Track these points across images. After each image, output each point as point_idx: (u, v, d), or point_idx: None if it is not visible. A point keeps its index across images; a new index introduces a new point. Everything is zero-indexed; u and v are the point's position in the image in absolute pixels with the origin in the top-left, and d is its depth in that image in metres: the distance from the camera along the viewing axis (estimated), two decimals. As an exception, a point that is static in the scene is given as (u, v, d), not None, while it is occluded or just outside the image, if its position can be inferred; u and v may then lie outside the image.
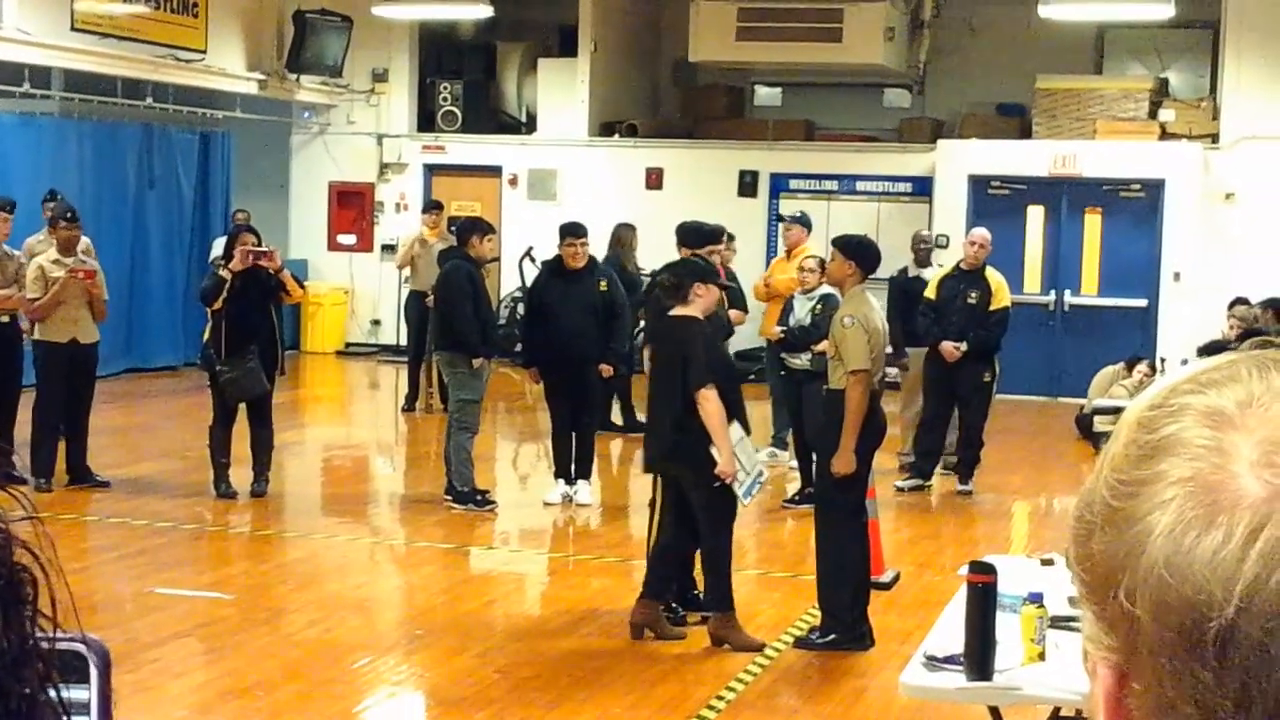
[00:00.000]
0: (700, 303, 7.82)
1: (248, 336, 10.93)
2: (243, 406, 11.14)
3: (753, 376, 14.86)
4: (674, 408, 7.74)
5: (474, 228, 11.40)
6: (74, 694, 0.95)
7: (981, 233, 12.55)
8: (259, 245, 11.06)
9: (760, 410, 12.96)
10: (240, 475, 11.25)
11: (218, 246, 17.29)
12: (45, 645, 0.90)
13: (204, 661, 7.78)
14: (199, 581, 9.38)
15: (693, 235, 8.82)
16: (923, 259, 13.41)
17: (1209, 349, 13.67)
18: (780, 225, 13.26)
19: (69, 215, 11.32)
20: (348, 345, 20.72)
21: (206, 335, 11.24)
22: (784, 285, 12.40)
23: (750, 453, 8.00)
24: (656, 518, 8.06)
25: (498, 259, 12.59)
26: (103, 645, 1.04)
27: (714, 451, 7.67)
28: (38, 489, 10.83)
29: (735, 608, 7.92)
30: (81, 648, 1.02)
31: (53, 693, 0.91)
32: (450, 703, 7.19)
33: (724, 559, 7.88)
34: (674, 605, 8.31)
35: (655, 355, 8.25)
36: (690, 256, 9.98)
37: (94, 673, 1.03)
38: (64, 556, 0.94)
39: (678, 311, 7.87)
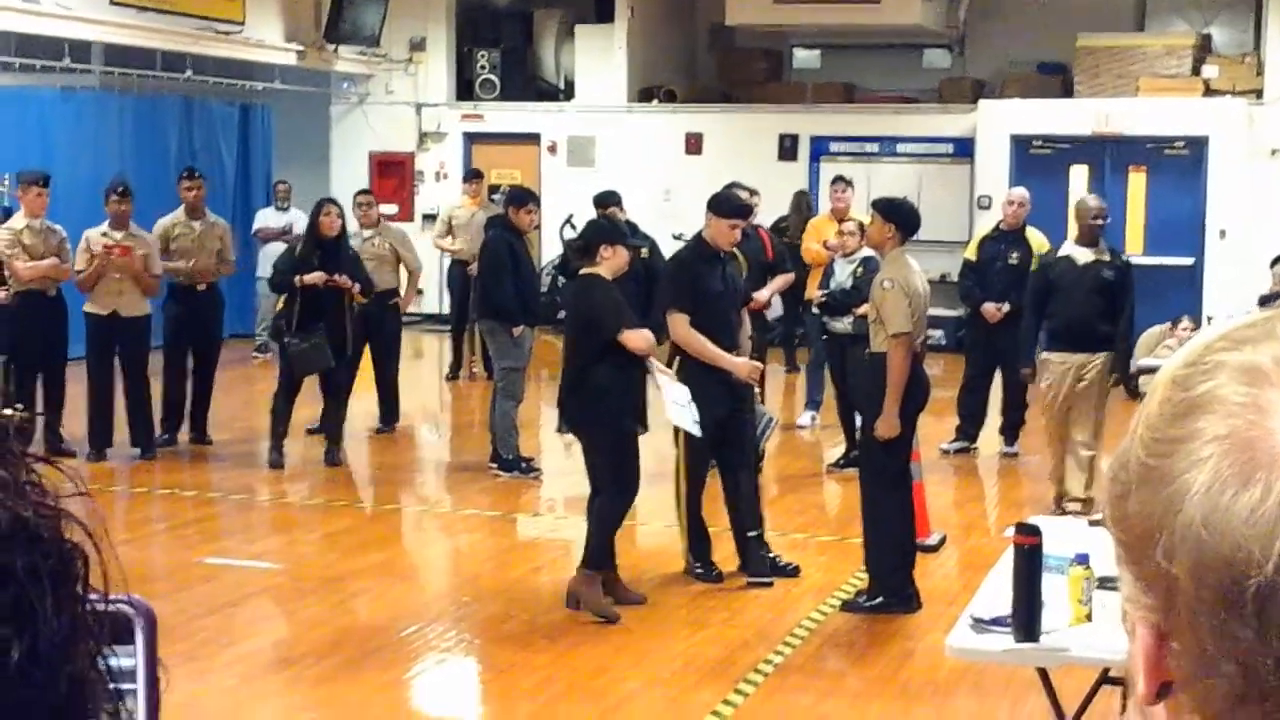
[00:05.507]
0: (608, 263, 7.95)
1: (317, 315, 11.03)
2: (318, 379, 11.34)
3: (795, 340, 14.84)
4: (575, 367, 7.85)
5: (514, 199, 11.44)
6: (119, 659, 0.95)
7: (1019, 192, 12.45)
8: (340, 215, 11.31)
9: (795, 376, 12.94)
10: (289, 447, 11.34)
11: (260, 218, 17.39)
12: (93, 611, 0.88)
13: (253, 631, 7.85)
14: (248, 551, 9.45)
15: (723, 205, 8.73)
16: (1087, 236, 10.06)
17: (1268, 299, 13.51)
18: (837, 185, 13.16)
19: (119, 190, 11.40)
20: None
21: (279, 306, 11.36)
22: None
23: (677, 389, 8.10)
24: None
25: (537, 228, 12.62)
26: (148, 606, 1.04)
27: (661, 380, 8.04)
28: (89, 460, 10.95)
29: (602, 570, 7.84)
30: (128, 609, 1.01)
31: (101, 663, 0.90)
32: (498, 669, 7.23)
33: (612, 522, 7.88)
34: (709, 565, 8.42)
35: (567, 316, 8.36)
36: (601, 216, 10.25)
37: (139, 636, 1.02)
38: (113, 527, 0.93)
39: (585, 270, 8.04)
